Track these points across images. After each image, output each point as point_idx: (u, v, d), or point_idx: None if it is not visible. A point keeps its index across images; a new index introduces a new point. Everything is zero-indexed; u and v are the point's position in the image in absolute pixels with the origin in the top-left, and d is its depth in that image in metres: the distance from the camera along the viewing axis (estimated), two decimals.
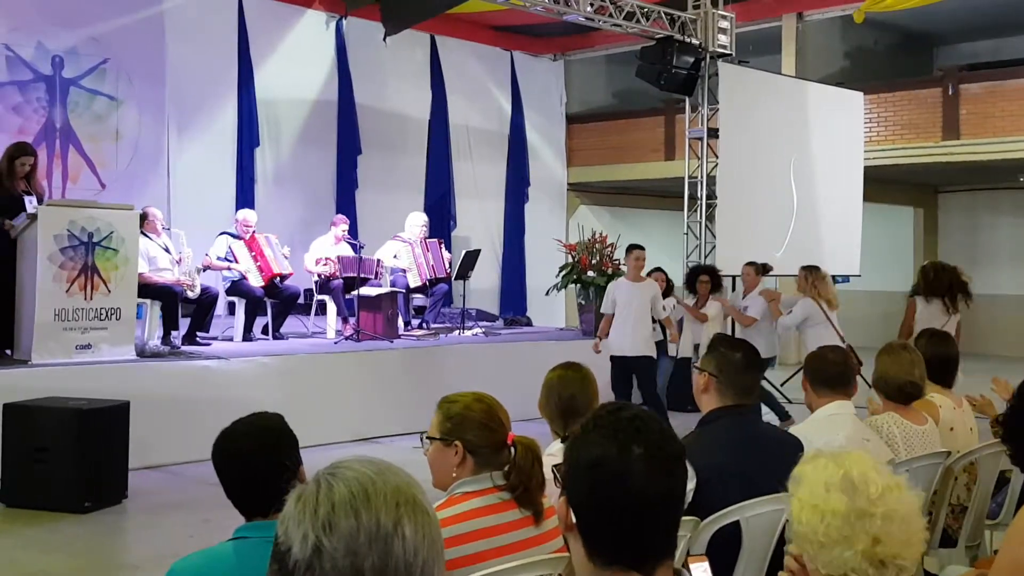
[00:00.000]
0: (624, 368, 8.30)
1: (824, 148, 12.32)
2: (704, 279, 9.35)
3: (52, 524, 5.87)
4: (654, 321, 8.62)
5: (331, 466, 1.12)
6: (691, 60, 11.40)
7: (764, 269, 9.62)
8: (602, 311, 8.80)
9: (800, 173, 12.08)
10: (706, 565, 2.18)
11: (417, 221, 10.76)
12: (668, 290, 10.00)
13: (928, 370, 4.12)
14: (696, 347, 9.26)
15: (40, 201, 7.47)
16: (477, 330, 10.90)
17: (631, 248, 8.56)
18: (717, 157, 11.55)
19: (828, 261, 12.59)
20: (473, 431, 2.58)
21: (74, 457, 6.11)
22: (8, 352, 7.37)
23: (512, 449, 2.53)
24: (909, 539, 1.73)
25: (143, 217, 8.56)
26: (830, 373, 3.59)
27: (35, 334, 7.06)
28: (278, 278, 9.50)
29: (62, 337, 7.16)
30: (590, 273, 11.23)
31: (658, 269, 9.75)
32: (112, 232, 7.42)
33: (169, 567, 2.17)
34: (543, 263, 13.85)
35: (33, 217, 7.16)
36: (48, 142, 10.00)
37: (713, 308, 9.32)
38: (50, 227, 7.15)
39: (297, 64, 12.15)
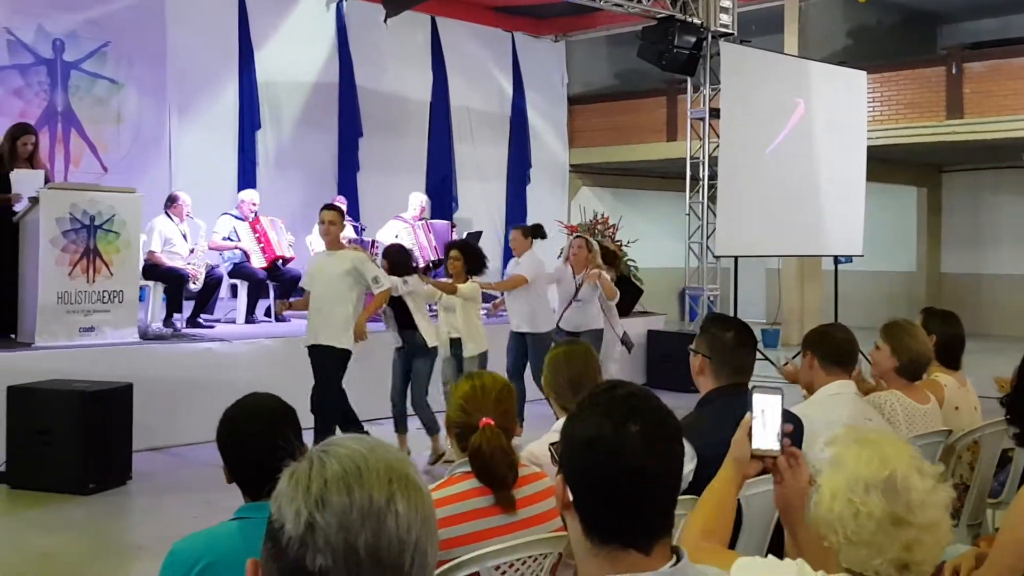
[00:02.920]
0: (314, 361, 6.62)
1: (827, 128, 12.27)
2: (455, 255, 7.30)
3: (56, 506, 5.91)
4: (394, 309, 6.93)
5: (323, 443, 1.12)
6: (693, 40, 11.34)
7: (535, 232, 8.22)
8: (300, 284, 7.28)
9: (803, 153, 12.04)
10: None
11: (415, 201, 10.78)
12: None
13: (936, 350, 4.11)
14: (452, 341, 7.32)
15: (45, 181, 7.49)
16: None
17: (321, 209, 6.91)
18: (719, 137, 11.51)
19: (830, 241, 12.61)
20: (452, 410, 2.61)
21: (78, 439, 6.15)
22: (12, 335, 7.39)
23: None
24: (938, 543, 1.69)
25: (172, 199, 8.77)
26: (840, 350, 3.54)
27: (38, 317, 7.08)
28: (280, 260, 9.52)
29: (65, 320, 7.18)
30: None
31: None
32: (114, 215, 7.43)
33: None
34: (545, 244, 13.81)
35: (35, 201, 7.17)
36: (50, 126, 9.99)
37: (468, 288, 7.29)
38: (52, 210, 7.16)
39: (298, 46, 12.10)
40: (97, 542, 5.45)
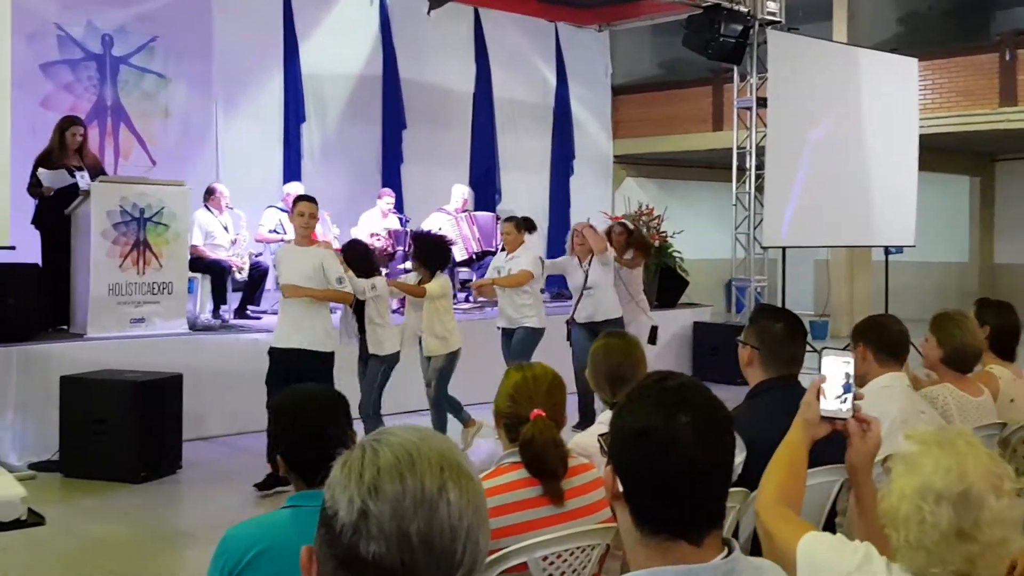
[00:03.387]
0: (285, 365, 6.04)
1: (877, 116, 12.06)
2: (411, 254, 6.89)
3: (109, 494, 6.02)
4: (358, 309, 6.49)
5: (375, 433, 1.13)
6: (739, 28, 11.20)
7: (528, 225, 7.80)
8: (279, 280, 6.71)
9: (852, 142, 11.85)
10: None
11: (457, 193, 10.81)
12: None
13: (990, 341, 4.03)
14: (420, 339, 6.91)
15: (96, 173, 7.61)
16: None
17: (295, 201, 6.42)
18: (766, 127, 11.37)
19: (881, 231, 12.41)
20: (501, 399, 2.60)
21: (129, 428, 6.26)
22: (64, 326, 7.53)
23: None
24: (1003, 559, 1.65)
25: (210, 192, 8.87)
26: (894, 342, 3.48)
27: (90, 308, 7.21)
28: None
29: (116, 311, 7.31)
30: None
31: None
32: (163, 208, 7.54)
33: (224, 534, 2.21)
34: None
35: (86, 194, 7.30)
36: (99, 120, 10.14)
37: (435, 287, 6.78)
38: (103, 203, 7.29)
39: (342, 39, 12.17)
40: (150, 529, 5.54)
